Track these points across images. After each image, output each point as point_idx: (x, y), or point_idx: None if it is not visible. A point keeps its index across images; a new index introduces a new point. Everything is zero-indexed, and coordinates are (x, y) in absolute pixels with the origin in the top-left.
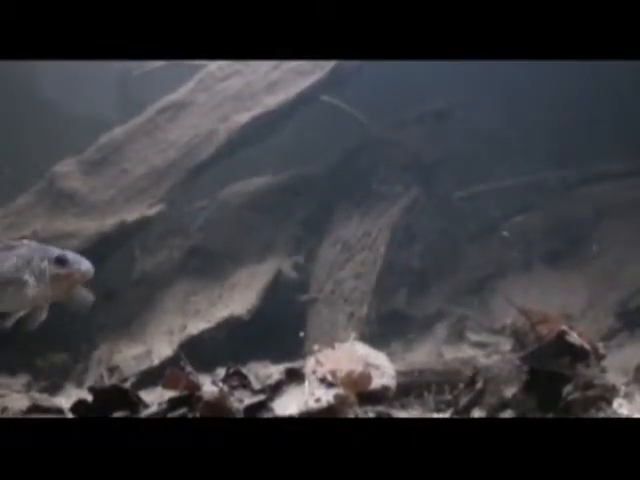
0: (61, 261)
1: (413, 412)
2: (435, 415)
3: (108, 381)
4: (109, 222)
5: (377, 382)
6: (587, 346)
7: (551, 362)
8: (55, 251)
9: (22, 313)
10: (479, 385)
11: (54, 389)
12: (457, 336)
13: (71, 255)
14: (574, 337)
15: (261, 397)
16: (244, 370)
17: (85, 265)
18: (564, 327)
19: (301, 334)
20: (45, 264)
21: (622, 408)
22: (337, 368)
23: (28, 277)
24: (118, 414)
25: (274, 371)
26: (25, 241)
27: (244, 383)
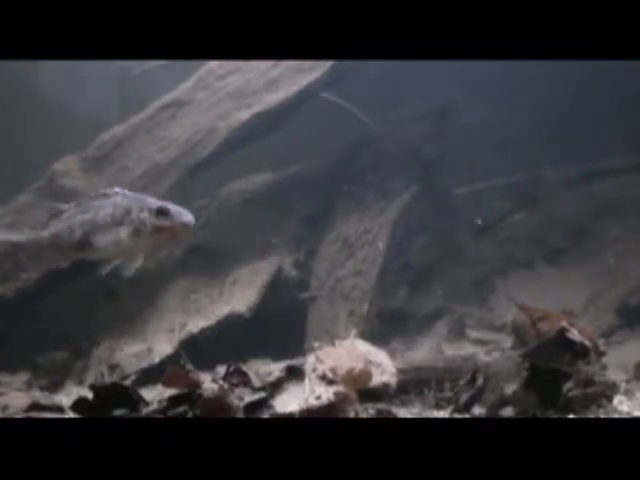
0: (163, 212)
1: (413, 409)
2: (435, 412)
3: (108, 379)
4: None
5: (377, 379)
6: (588, 343)
7: (551, 359)
8: (154, 202)
9: (117, 262)
10: (479, 382)
11: (54, 387)
12: (457, 333)
13: (172, 206)
14: (575, 334)
15: (261, 394)
16: (244, 368)
17: (187, 217)
18: (565, 324)
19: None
20: (145, 215)
21: (622, 405)
22: (337, 365)
23: (127, 227)
24: (118, 412)
25: (274, 368)
26: (118, 189)
27: (244, 381)
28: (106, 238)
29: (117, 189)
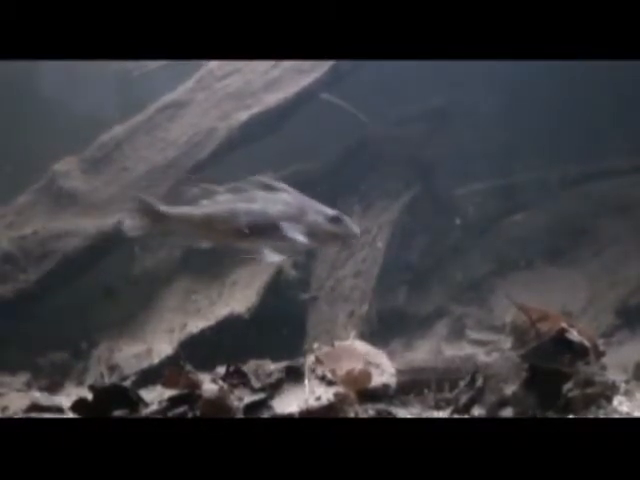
0: (337, 220)
1: (413, 410)
2: (435, 413)
3: (108, 380)
4: (109, 221)
5: (377, 380)
6: (587, 343)
7: (551, 359)
8: (326, 208)
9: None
10: (479, 383)
11: (54, 387)
12: (457, 334)
13: (343, 216)
14: (574, 334)
15: (261, 395)
16: (244, 368)
17: (355, 227)
18: (564, 324)
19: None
20: (321, 219)
21: (622, 406)
22: (337, 366)
23: (302, 227)
24: (118, 413)
25: (274, 369)
26: (279, 184)
27: (244, 381)
28: (277, 232)
29: (283, 185)
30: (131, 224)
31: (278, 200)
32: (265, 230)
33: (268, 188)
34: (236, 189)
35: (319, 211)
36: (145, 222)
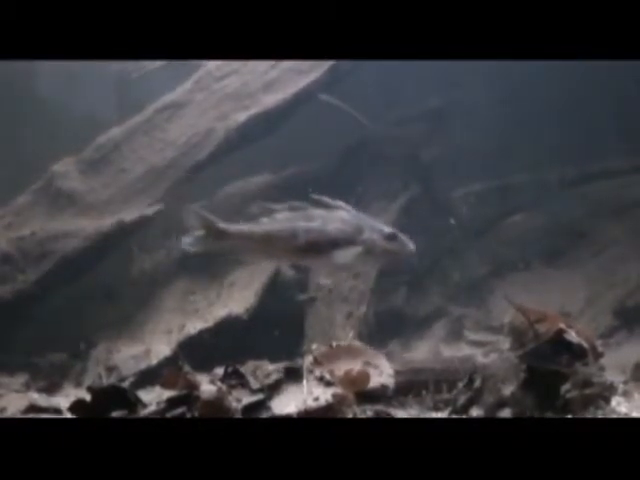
0: (393, 237)
1: (411, 411)
2: (433, 414)
3: (106, 381)
4: (108, 221)
5: (375, 381)
6: (585, 344)
7: (549, 360)
8: (383, 225)
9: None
10: (477, 384)
11: (52, 389)
12: (455, 335)
13: (399, 233)
14: (572, 335)
15: (259, 396)
16: (242, 369)
17: (411, 246)
18: (562, 325)
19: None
20: (378, 237)
21: (620, 406)
22: (335, 367)
23: (360, 245)
24: (116, 414)
25: (272, 370)
26: (337, 202)
27: (242, 382)
28: (335, 251)
29: (339, 202)
30: (190, 240)
31: (336, 218)
32: (324, 248)
33: (325, 206)
34: (294, 207)
35: (376, 228)
36: (204, 238)
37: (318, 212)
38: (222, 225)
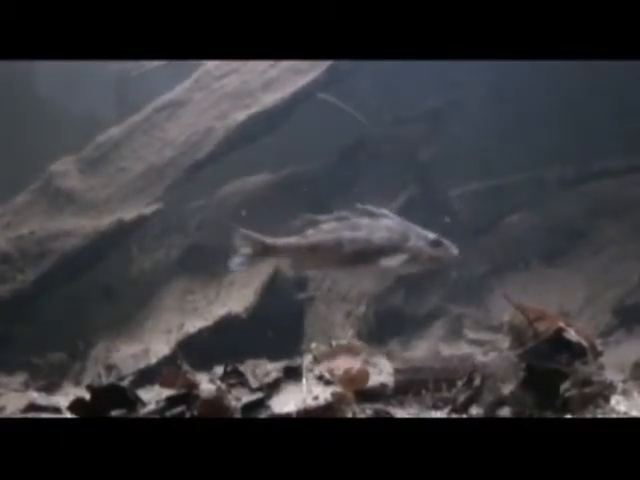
0: (438, 244)
1: (411, 410)
2: (433, 413)
3: (106, 380)
4: (107, 221)
5: (375, 380)
6: (585, 343)
7: (549, 359)
8: (427, 232)
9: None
10: (477, 382)
11: (52, 388)
12: (455, 334)
13: (443, 239)
14: (572, 334)
15: (259, 395)
16: (242, 368)
17: (454, 251)
18: (562, 324)
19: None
20: (423, 243)
21: (620, 405)
22: (335, 366)
23: (406, 253)
24: (116, 413)
25: (272, 369)
26: (380, 210)
27: (242, 381)
28: (382, 259)
29: (384, 210)
30: (239, 260)
31: (381, 227)
32: (370, 256)
33: (370, 215)
34: (340, 217)
35: (421, 235)
36: (252, 256)
37: (364, 221)
38: (269, 240)
